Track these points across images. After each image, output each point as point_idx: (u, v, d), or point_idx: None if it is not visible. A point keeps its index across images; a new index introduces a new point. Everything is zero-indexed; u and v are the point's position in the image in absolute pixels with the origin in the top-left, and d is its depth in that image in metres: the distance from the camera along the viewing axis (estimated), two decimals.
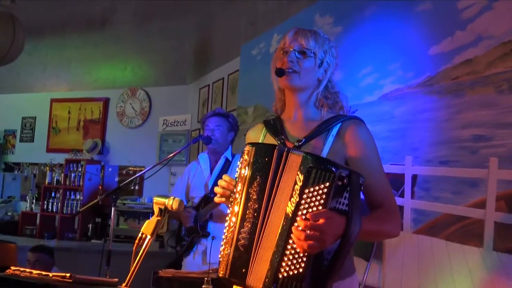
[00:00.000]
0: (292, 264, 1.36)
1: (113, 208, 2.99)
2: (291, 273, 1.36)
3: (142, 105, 7.49)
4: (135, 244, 1.57)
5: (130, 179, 3.37)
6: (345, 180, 1.36)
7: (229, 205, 1.55)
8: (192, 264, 3.24)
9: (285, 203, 1.41)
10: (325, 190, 1.35)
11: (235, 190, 1.53)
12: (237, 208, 1.49)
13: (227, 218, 1.54)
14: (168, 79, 7.38)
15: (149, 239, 1.55)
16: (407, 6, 3.10)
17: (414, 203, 2.85)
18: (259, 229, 1.44)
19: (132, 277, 1.53)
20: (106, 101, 7.73)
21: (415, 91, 2.95)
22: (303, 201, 1.37)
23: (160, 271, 2.74)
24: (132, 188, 7.37)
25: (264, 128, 1.78)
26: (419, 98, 2.92)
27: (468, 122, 2.59)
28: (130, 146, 7.39)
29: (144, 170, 3.36)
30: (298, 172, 1.40)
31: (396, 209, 1.64)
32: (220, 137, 3.26)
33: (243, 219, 1.48)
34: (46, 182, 7.27)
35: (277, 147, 1.49)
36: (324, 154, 1.59)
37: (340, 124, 1.64)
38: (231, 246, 1.48)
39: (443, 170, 2.70)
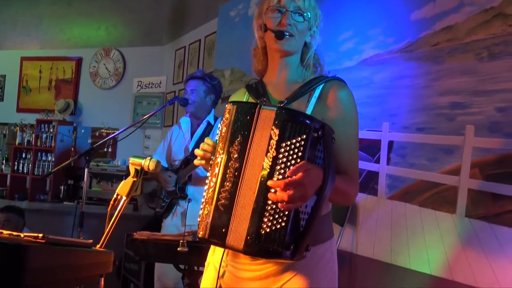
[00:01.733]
0: (274, 219, 1.34)
1: (86, 170, 2.93)
2: (273, 228, 1.34)
3: (116, 65, 7.31)
4: (110, 205, 1.53)
5: (103, 141, 3.30)
6: (320, 132, 1.35)
7: (209, 168, 1.52)
8: (170, 226, 3.24)
9: (261, 159, 1.39)
10: (302, 142, 1.34)
11: (215, 151, 1.50)
12: (217, 169, 1.46)
13: (207, 181, 1.51)
14: (144, 40, 7.20)
15: (124, 200, 1.52)
16: None
17: (390, 169, 2.87)
18: (239, 188, 1.42)
19: (107, 238, 1.50)
20: (78, 61, 7.52)
21: (395, 56, 2.93)
22: (280, 155, 1.36)
23: (134, 233, 2.71)
24: (105, 150, 7.27)
25: (247, 93, 1.73)
26: (398, 64, 2.90)
27: (446, 89, 2.59)
28: (104, 107, 7.24)
29: (118, 132, 3.30)
30: (273, 127, 1.38)
31: (357, 180, 1.65)
32: (196, 100, 3.21)
33: (223, 179, 1.44)
34: (17, 143, 7.10)
35: (258, 104, 1.45)
36: None
37: (322, 85, 1.60)
38: (210, 206, 1.45)
39: (420, 137, 2.71)
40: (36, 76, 7.73)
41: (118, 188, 1.54)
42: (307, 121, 1.35)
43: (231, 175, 1.43)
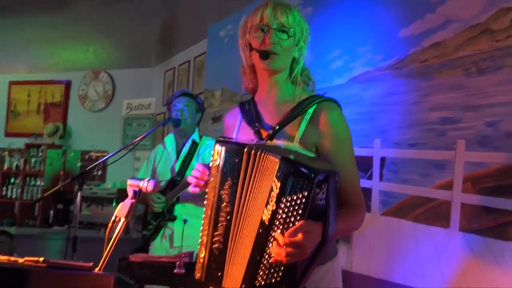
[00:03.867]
0: (270, 273, 1.32)
1: (79, 193, 2.90)
2: (268, 281, 1.32)
3: (105, 88, 7.32)
4: (108, 228, 1.51)
5: (96, 163, 3.28)
6: (323, 185, 1.29)
7: (204, 197, 1.51)
8: (159, 248, 3.18)
9: (260, 210, 1.34)
10: (303, 200, 1.28)
11: (208, 189, 1.48)
12: (209, 211, 1.45)
13: (202, 221, 1.50)
14: (132, 61, 7.22)
15: (123, 222, 1.50)
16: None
17: (383, 185, 2.87)
18: (233, 233, 1.40)
19: (106, 261, 1.48)
20: (67, 84, 7.52)
21: (384, 73, 2.96)
22: (280, 210, 1.30)
23: (130, 256, 2.68)
24: (94, 173, 7.22)
25: (240, 114, 1.71)
26: (388, 80, 2.93)
27: (436, 105, 2.62)
28: (93, 130, 7.22)
29: (109, 155, 3.27)
30: (275, 179, 1.32)
31: (363, 205, 1.61)
32: (188, 117, 3.19)
33: (216, 222, 1.43)
34: (5, 168, 7.04)
35: (246, 148, 1.42)
36: (297, 140, 1.54)
37: (314, 106, 1.56)
38: (206, 250, 1.44)
39: (411, 152, 2.73)
40: (24, 100, 7.70)
41: (116, 210, 1.52)
42: (311, 174, 1.27)
43: (223, 219, 1.42)
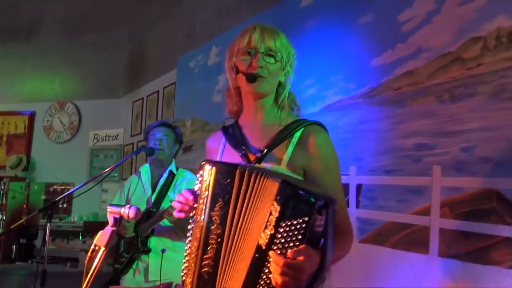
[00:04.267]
0: None
1: (48, 225, 2.79)
2: None
3: (71, 119, 7.18)
4: (87, 258, 1.45)
5: (65, 194, 3.17)
6: (322, 211, 1.26)
7: (190, 222, 1.47)
8: (131, 282, 3.07)
9: (257, 233, 1.31)
10: (303, 225, 1.24)
11: (195, 212, 1.44)
12: (199, 233, 1.40)
13: (187, 243, 1.45)
14: (99, 92, 7.14)
15: (103, 251, 1.44)
16: (349, 19, 3.16)
17: (359, 212, 2.87)
18: (225, 257, 1.35)
19: None
20: (31, 115, 7.35)
21: (357, 102, 3.00)
22: (279, 235, 1.26)
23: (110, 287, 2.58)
24: (60, 206, 7.01)
25: (224, 137, 1.69)
26: (362, 108, 2.97)
27: (410, 132, 2.65)
28: (58, 162, 7.05)
29: (76, 187, 3.17)
30: (274, 202, 1.28)
31: (351, 230, 1.60)
32: (167, 147, 3.13)
33: (205, 244, 1.38)
34: None
35: (238, 169, 1.40)
36: (284, 163, 1.53)
37: (302, 129, 1.57)
38: (194, 274, 1.39)
39: (387, 179, 2.74)
40: None
41: (95, 239, 1.46)
42: (312, 199, 1.25)
43: (214, 242, 1.37)
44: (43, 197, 7.07)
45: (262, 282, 1.28)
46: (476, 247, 2.25)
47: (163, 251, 2.69)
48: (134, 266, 3.08)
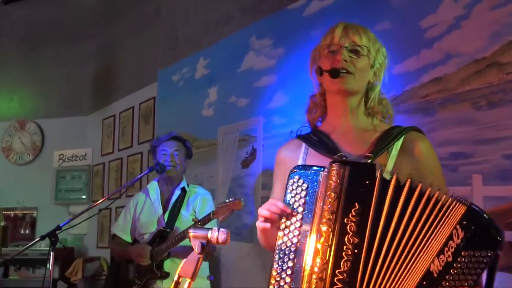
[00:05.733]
0: None
1: (51, 254, 2.49)
2: None
3: (33, 139, 6.73)
4: None
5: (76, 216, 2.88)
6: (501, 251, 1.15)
7: (281, 229, 1.28)
8: None
9: (428, 256, 1.16)
10: (487, 259, 1.13)
11: (313, 217, 1.25)
12: (329, 240, 1.20)
13: (278, 258, 1.24)
14: (63, 110, 6.72)
15: (189, 283, 1.21)
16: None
17: None
18: (371, 273, 1.17)
19: None
20: None
21: None
22: (457, 265, 1.13)
23: None
24: (22, 232, 6.55)
25: (304, 145, 1.52)
26: None
27: (444, 140, 2.55)
28: (19, 185, 6.55)
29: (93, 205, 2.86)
30: (458, 226, 1.15)
31: None
32: (179, 164, 2.90)
33: (338, 257, 1.18)
34: None
35: (376, 167, 1.25)
36: (388, 171, 1.38)
37: (403, 137, 1.44)
38: None
39: None
40: None
41: (179, 269, 1.23)
42: (499, 232, 1.16)
43: (350, 253, 1.18)
44: (2, 223, 6.57)
45: None
46: None
47: (210, 278, 2.44)
48: None
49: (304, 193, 1.28)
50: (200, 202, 2.87)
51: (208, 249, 2.72)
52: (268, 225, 1.32)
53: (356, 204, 1.20)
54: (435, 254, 1.15)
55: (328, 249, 1.19)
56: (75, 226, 6.32)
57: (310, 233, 1.24)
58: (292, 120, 3.42)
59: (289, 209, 1.28)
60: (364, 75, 1.49)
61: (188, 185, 2.98)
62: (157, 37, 5.23)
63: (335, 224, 1.20)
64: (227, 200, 2.54)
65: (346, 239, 1.18)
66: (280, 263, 1.25)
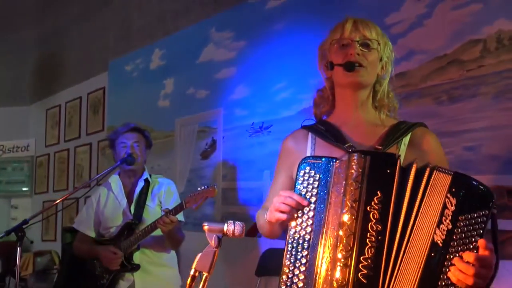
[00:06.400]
0: None
1: (19, 249, 2.40)
2: None
3: None
4: (188, 286, 1.22)
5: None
6: (495, 207, 1.21)
7: (294, 225, 1.31)
8: None
9: (429, 230, 1.21)
10: (484, 218, 1.18)
11: (329, 205, 1.28)
12: (352, 229, 1.23)
13: (291, 248, 1.27)
14: (3, 99, 6.41)
15: (206, 277, 1.22)
16: (324, 20, 3.11)
17: None
18: (391, 257, 1.21)
19: None
20: None
21: None
22: (457, 230, 1.19)
23: None
24: None
25: (310, 135, 1.55)
26: None
27: None
28: None
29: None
30: (448, 195, 1.21)
31: None
32: (140, 155, 2.85)
33: (362, 244, 1.21)
34: None
35: (396, 156, 1.29)
36: None
37: (410, 132, 1.48)
38: (348, 277, 1.21)
39: None
40: None
41: (194, 263, 1.24)
42: (488, 191, 1.21)
43: (374, 240, 1.21)
44: None
45: (443, 284, 1.18)
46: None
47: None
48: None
49: (316, 183, 1.31)
50: (164, 192, 2.85)
51: (178, 237, 2.74)
52: (284, 216, 1.33)
53: (378, 192, 1.24)
54: (435, 225, 1.21)
55: (352, 236, 1.22)
56: (15, 219, 6.09)
57: (326, 222, 1.27)
58: (253, 113, 3.45)
59: (306, 202, 1.31)
60: (375, 68, 1.53)
61: (150, 176, 2.94)
62: (107, 25, 5.10)
63: (358, 212, 1.23)
64: (199, 188, 2.54)
65: (369, 226, 1.22)
66: (293, 253, 1.28)
